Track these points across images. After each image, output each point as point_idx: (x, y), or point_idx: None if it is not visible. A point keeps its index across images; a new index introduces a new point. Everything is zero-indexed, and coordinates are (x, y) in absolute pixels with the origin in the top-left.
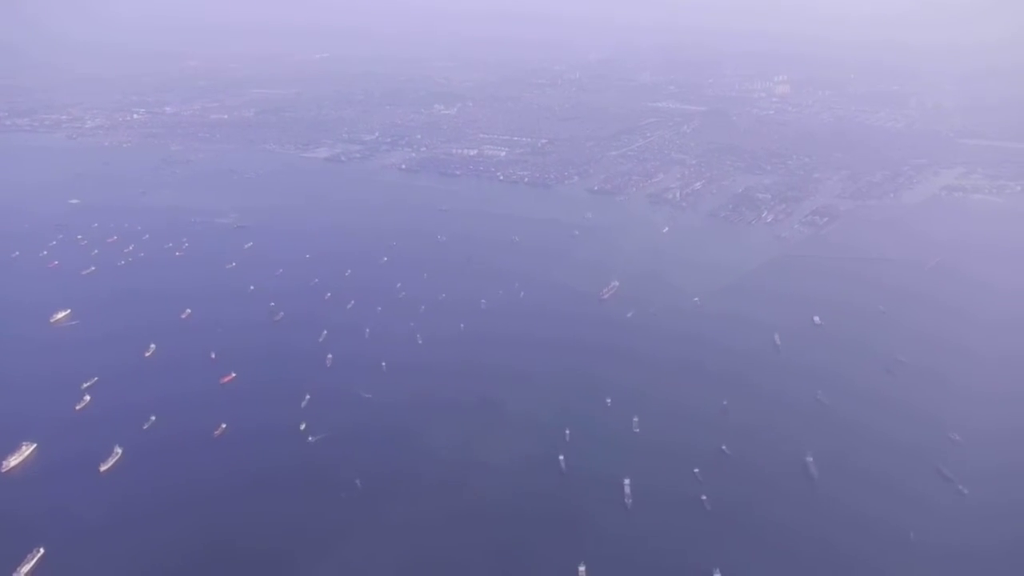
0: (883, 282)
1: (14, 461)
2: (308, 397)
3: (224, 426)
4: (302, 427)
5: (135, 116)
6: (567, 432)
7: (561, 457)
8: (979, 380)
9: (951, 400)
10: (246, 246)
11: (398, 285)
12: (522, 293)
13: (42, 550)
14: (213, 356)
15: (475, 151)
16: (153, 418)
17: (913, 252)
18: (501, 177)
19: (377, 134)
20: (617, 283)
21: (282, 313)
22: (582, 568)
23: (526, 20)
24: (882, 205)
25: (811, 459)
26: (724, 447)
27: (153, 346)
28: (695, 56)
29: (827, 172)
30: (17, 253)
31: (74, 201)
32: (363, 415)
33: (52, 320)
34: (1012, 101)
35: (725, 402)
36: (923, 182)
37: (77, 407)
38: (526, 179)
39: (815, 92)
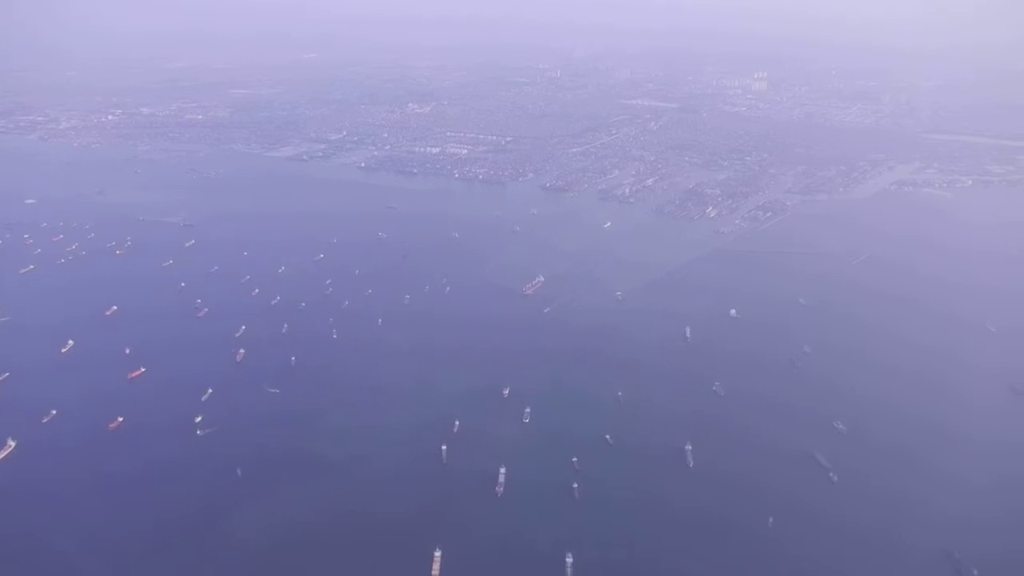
0: (810, 276)
1: None
2: (210, 391)
3: (120, 419)
4: (197, 420)
5: (110, 117)
6: (456, 423)
7: (444, 447)
8: (878, 371)
9: (846, 391)
10: (187, 244)
11: (327, 282)
12: (448, 289)
13: None
14: (128, 352)
15: (437, 149)
16: (54, 412)
17: (847, 246)
18: (457, 175)
19: (344, 133)
20: (542, 278)
21: (206, 309)
22: (437, 553)
23: (526, 28)
24: (830, 200)
25: (690, 448)
26: (608, 437)
27: (71, 342)
28: (681, 55)
29: (783, 168)
30: None
31: (30, 201)
32: (260, 409)
33: None
34: (990, 101)
35: (620, 393)
36: (876, 177)
37: None
38: (481, 176)
39: (791, 89)
